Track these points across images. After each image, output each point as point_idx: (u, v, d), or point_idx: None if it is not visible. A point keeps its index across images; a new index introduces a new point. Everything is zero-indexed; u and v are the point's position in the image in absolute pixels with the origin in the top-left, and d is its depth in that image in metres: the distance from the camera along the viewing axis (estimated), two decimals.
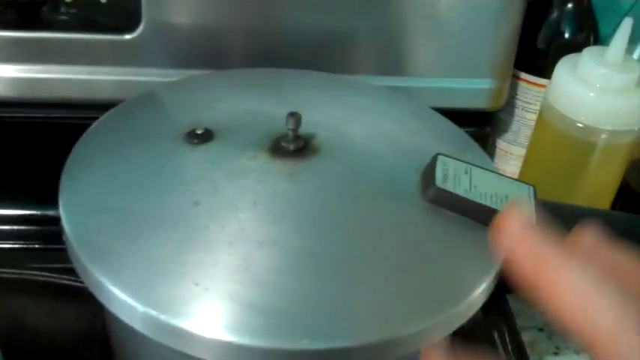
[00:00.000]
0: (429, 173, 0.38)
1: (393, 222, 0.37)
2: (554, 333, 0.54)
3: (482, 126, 0.59)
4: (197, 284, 0.32)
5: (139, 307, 0.32)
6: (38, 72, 0.51)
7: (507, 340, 0.53)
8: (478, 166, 0.40)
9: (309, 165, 0.39)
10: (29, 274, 0.51)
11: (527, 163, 0.56)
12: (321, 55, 0.54)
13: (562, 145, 0.52)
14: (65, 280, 0.52)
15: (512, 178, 0.40)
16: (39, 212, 0.56)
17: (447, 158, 0.39)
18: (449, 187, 0.37)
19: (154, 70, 0.52)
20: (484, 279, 0.35)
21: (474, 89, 0.56)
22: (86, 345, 0.49)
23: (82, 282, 0.49)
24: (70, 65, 0.52)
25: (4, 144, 0.55)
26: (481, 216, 0.37)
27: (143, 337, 0.34)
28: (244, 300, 0.32)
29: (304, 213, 0.36)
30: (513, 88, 0.60)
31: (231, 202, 0.36)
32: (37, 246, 0.55)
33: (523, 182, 0.40)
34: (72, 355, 0.49)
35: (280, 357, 0.31)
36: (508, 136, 0.62)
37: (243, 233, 0.34)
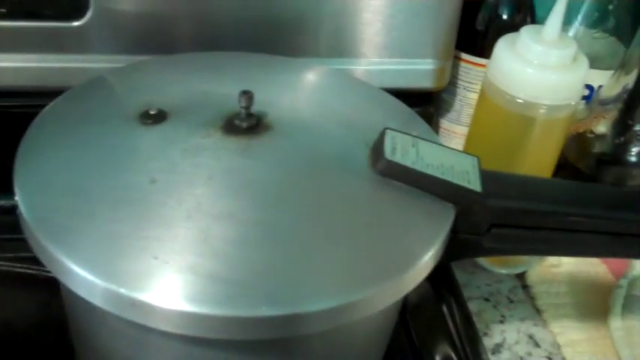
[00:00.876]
0: (378, 147, 0.40)
1: (344, 194, 0.38)
2: (499, 302, 0.57)
3: (426, 106, 0.61)
4: (156, 258, 0.33)
5: (99, 282, 0.32)
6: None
7: (455, 311, 0.55)
8: (425, 139, 0.42)
9: (262, 142, 0.40)
10: None
11: (470, 140, 0.58)
12: (268, 38, 0.55)
13: (503, 120, 0.54)
14: (18, 268, 0.52)
15: (457, 150, 0.42)
16: None
17: (395, 132, 0.41)
18: (397, 159, 0.39)
19: (103, 57, 0.53)
20: (432, 246, 0.36)
21: (418, 70, 0.58)
22: (42, 331, 0.49)
23: (36, 269, 0.49)
24: (19, 53, 0.51)
25: None
26: (429, 186, 0.39)
27: (103, 313, 0.35)
28: (203, 271, 0.33)
29: (258, 187, 0.37)
30: (455, 68, 0.62)
31: (187, 179, 0.37)
32: None
33: (467, 153, 0.42)
34: (27, 341, 0.49)
35: (239, 324, 0.32)
36: (451, 115, 0.64)
37: (199, 208, 0.35)
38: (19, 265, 0.51)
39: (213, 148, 0.39)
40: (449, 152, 0.41)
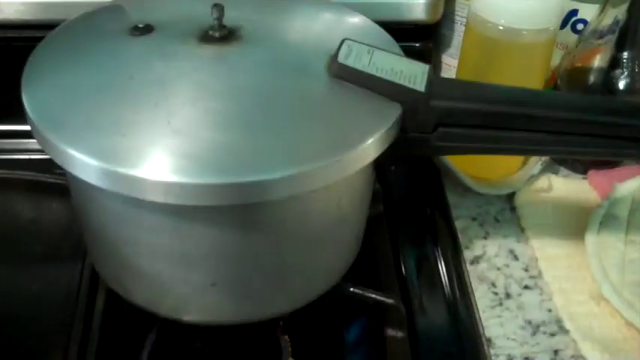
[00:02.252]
0: (335, 54, 0.44)
1: (301, 91, 0.43)
2: (485, 221, 0.60)
3: (425, 41, 0.65)
4: (124, 135, 0.39)
5: (80, 156, 0.38)
6: None
7: (441, 225, 0.59)
8: (382, 50, 0.46)
9: (232, 49, 0.45)
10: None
11: (460, 69, 0.61)
12: None
13: (487, 48, 0.57)
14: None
15: (412, 59, 0.46)
16: None
17: (353, 42, 0.45)
18: (349, 62, 0.44)
19: None
20: (374, 134, 0.41)
21: (412, 3, 0.61)
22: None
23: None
24: None
25: None
26: (376, 86, 0.43)
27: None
28: (164, 147, 0.38)
29: (223, 84, 0.43)
30: (452, 4, 0.65)
31: (159, 76, 0.42)
32: None
33: (421, 63, 0.46)
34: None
35: (211, 190, 0.38)
36: (451, 50, 0.67)
37: (166, 97, 0.41)
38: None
39: (187, 53, 0.44)
40: (402, 60, 0.46)
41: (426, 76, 0.44)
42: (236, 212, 0.41)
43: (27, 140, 0.63)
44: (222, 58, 0.44)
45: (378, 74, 0.43)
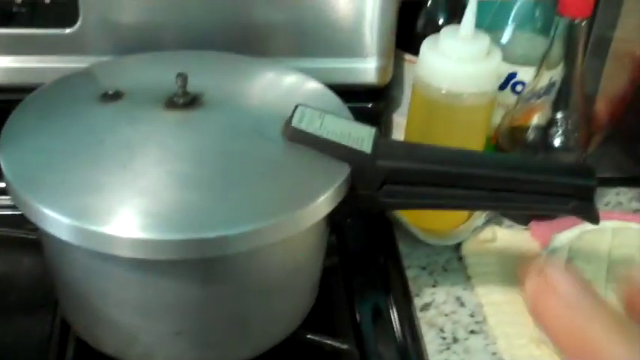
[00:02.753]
0: (289, 119, 0.49)
1: (259, 154, 0.47)
2: (434, 270, 0.64)
3: (376, 102, 0.69)
4: (99, 198, 0.42)
5: (66, 220, 0.42)
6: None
7: (393, 276, 0.63)
8: (332, 114, 0.50)
9: (196, 115, 0.49)
10: None
11: (408, 129, 0.66)
12: (236, 42, 0.64)
13: (431, 111, 0.62)
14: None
15: (360, 123, 0.50)
16: None
17: (306, 107, 0.50)
18: (302, 127, 0.48)
19: (93, 58, 0.63)
20: (326, 192, 0.45)
21: (363, 68, 0.66)
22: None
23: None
24: (21, 55, 0.62)
25: None
26: (326, 148, 0.47)
27: (72, 250, 0.44)
28: (131, 206, 0.42)
29: (187, 147, 0.47)
30: (400, 67, 0.70)
31: (127, 141, 0.46)
32: None
33: (368, 125, 0.50)
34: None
35: (174, 245, 0.41)
36: (401, 109, 0.72)
37: (133, 160, 0.45)
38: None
39: (154, 118, 0.48)
40: (351, 124, 0.50)
41: (372, 137, 0.49)
42: (198, 266, 0.44)
43: None
44: (185, 122, 0.48)
45: (328, 137, 0.47)
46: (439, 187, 0.49)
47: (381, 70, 0.67)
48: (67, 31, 0.62)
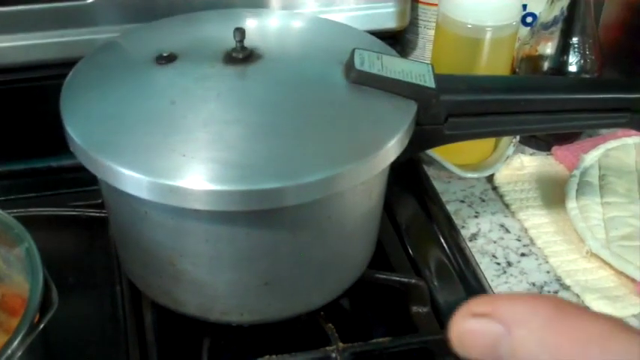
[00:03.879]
0: (349, 62, 0.49)
1: (325, 99, 0.48)
2: (473, 202, 0.66)
3: (393, 46, 0.70)
4: (184, 155, 0.42)
5: (143, 177, 0.42)
6: (16, 40, 0.61)
7: (436, 212, 0.64)
8: (387, 54, 0.51)
9: (256, 67, 0.49)
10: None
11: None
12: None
13: (457, 45, 0.64)
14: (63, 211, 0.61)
15: (414, 60, 0.52)
16: None
17: (363, 50, 0.50)
18: (365, 68, 0.48)
19: (115, 27, 0.62)
20: (399, 131, 0.46)
21: (383, 13, 0.67)
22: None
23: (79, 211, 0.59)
24: (42, 31, 0.61)
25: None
26: (393, 87, 0.48)
27: (146, 209, 0.45)
28: (222, 160, 0.42)
29: (256, 99, 0.47)
30: (415, 11, 0.71)
31: (200, 98, 0.46)
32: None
33: (423, 62, 0.51)
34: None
35: (252, 196, 0.42)
36: (416, 52, 0.74)
37: (213, 117, 0.45)
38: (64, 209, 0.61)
39: (217, 74, 0.48)
40: (408, 62, 0.51)
41: (431, 73, 0.50)
42: (288, 213, 0.45)
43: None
44: (249, 76, 0.48)
45: (393, 76, 0.48)
46: (500, 115, 0.50)
47: (400, 13, 0.68)
48: (89, 1, 0.61)
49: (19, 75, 0.63)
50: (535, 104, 0.50)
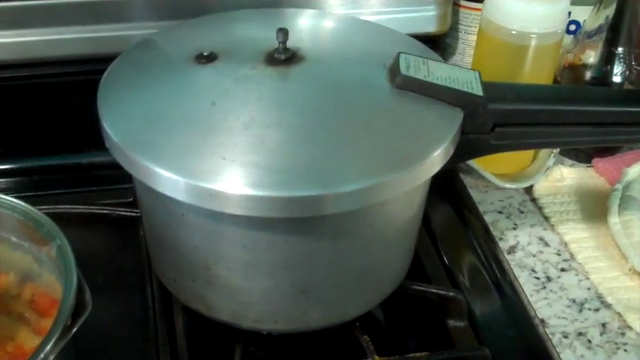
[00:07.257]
0: (394, 66, 0.48)
1: (369, 104, 0.46)
2: (511, 213, 0.64)
3: (433, 50, 0.68)
4: (224, 158, 0.41)
5: (182, 180, 0.41)
6: (51, 34, 0.60)
7: (473, 223, 0.63)
8: (433, 59, 0.50)
9: (298, 69, 0.48)
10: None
11: None
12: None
13: (500, 51, 0.62)
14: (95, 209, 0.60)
15: (461, 66, 0.50)
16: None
17: (408, 55, 0.49)
18: (411, 74, 0.47)
19: (150, 24, 0.61)
20: (445, 140, 0.44)
21: (423, 16, 0.66)
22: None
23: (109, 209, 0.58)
24: (76, 25, 0.60)
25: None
26: (439, 94, 0.47)
27: (182, 212, 0.43)
28: (262, 165, 0.41)
29: (298, 103, 0.45)
30: (455, 15, 0.69)
31: (241, 100, 0.45)
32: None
33: (470, 69, 0.50)
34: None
35: (292, 203, 0.40)
36: (456, 57, 0.72)
37: (253, 120, 0.43)
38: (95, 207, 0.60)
39: (258, 76, 0.47)
40: (454, 68, 0.49)
41: (479, 80, 0.48)
42: (328, 221, 0.43)
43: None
44: (291, 78, 0.47)
45: (439, 82, 0.47)
46: (546, 125, 0.49)
47: (441, 17, 0.66)
48: None
49: (52, 69, 0.62)
50: (585, 116, 0.48)
